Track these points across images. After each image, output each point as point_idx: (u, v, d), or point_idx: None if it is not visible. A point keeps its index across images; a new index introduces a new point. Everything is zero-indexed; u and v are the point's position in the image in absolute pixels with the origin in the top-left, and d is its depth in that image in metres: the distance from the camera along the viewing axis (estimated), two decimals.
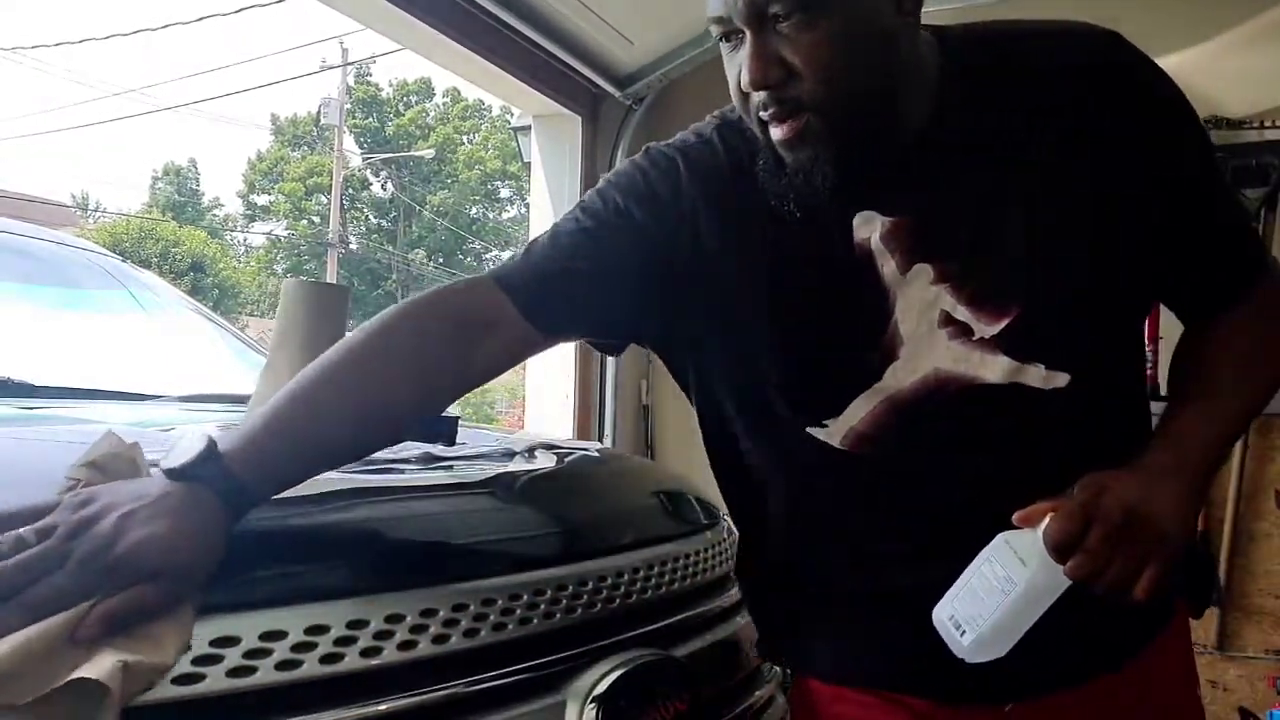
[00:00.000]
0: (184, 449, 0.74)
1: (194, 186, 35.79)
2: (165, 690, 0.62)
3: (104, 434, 0.77)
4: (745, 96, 0.88)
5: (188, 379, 1.58)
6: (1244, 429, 0.96)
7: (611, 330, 1.09)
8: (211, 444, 0.75)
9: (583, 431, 3.25)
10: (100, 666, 0.59)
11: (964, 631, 0.90)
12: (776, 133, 0.87)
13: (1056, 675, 0.98)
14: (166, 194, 34.09)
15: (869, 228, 0.93)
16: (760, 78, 0.84)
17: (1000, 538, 0.88)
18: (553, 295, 0.97)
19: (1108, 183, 0.91)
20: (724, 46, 0.88)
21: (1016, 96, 0.92)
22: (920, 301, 0.92)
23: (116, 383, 1.45)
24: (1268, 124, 3.13)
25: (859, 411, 0.94)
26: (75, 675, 0.58)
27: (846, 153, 0.86)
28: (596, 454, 1.32)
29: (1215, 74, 2.92)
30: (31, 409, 1.22)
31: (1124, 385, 1.00)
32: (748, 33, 0.84)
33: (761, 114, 0.87)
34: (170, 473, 0.73)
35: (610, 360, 3.34)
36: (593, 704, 0.82)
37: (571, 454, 1.21)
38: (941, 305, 0.92)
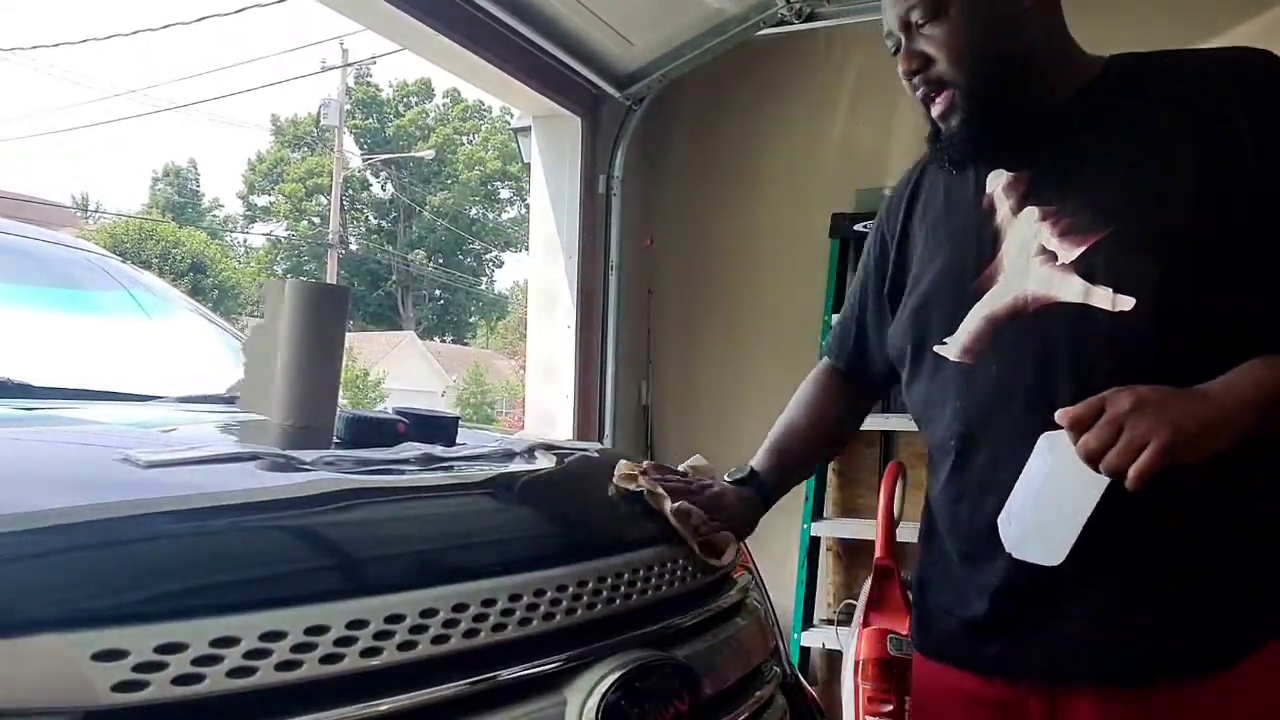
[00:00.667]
0: (739, 470, 1.31)
1: (194, 187, 35.79)
2: (165, 690, 0.62)
3: (695, 456, 1.31)
4: (911, 84, 1.14)
5: (187, 380, 1.58)
6: None
7: (887, 350, 1.31)
8: (752, 469, 1.31)
9: (583, 432, 3.25)
10: (727, 538, 1.14)
11: (1011, 523, 0.99)
12: (934, 108, 1.14)
13: (1173, 659, 1.01)
14: (166, 195, 34.10)
15: (997, 181, 1.15)
16: (908, 67, 1.13)
17: (1043, 436, 0.97)
18: (850, 351, 1.38)
19: (1213, 162, 1.01)
20: (897, 56, 1.15)
21: (1153, 89, 1.08)
22: (1023, 236, 1.10)
23: (116, 383, 1.45)
24: None
25: (968, 328, 1.12)
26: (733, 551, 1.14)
27: (983, 116, 1.11)
28: (596, 454, 1.32)
29: None
30: (31, 409, 1.22)
31: (1205, 333, 1.02)
32: (901, 38, 1.13)
33: (920, 95, 1.14)
34: (735, 481, 1.29)
35: (610, 361, 3.35)
36: (593, 704, 0.81)
37: (571, 454, 1.21)
38: (1040, 239, 1.08)
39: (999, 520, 1.00)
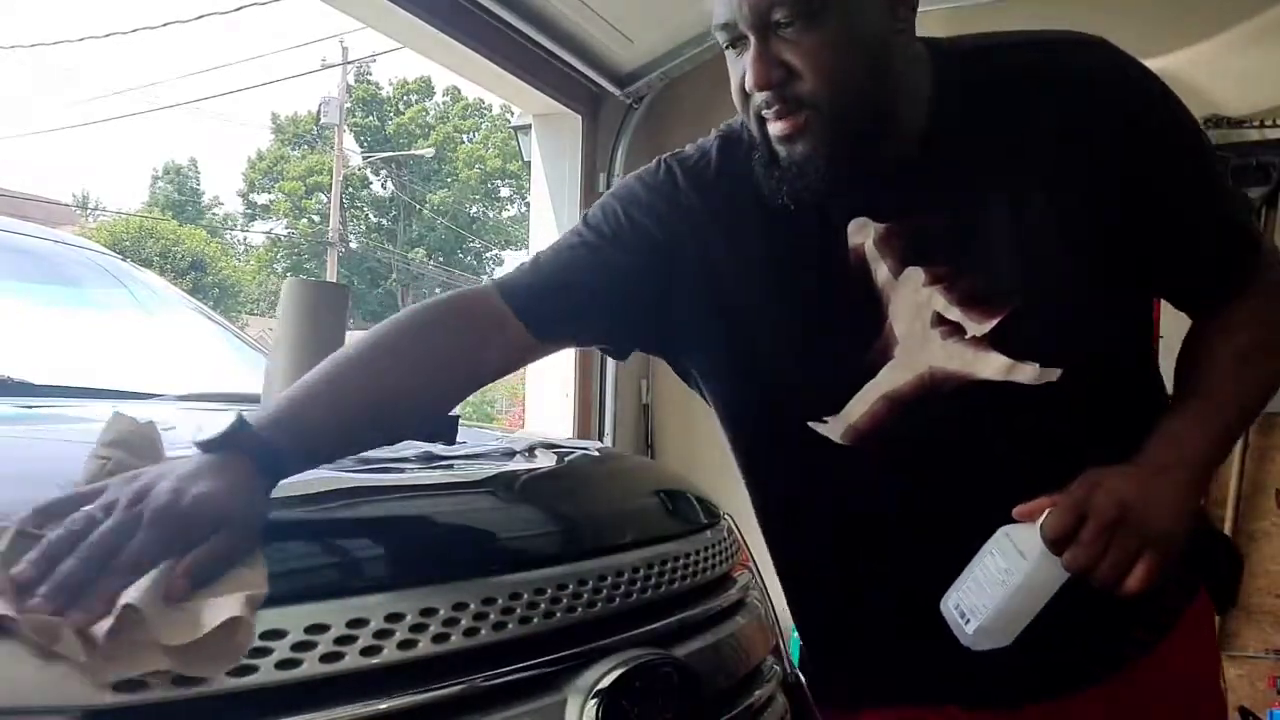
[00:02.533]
0: (213, 427, 0.77)
1: (194, 185, 35.76)
2: (164, 690, 0.62)
3: (114, 415, 0.79)
4: (746, 97, 0.93)
5: (188, 378, 1.58)
6: (1244, 427, 0.97)
7: (610, 338, 1.13)
8: (240, 418, 0.78)
9: (583, 431, 3.25)
10: (235, 603, 0.64)
11: (968, 620, 0.93)
12: (775, 128, 0.92)
13: (1069, 675, 1.00)
14: (166, 193, 34.08)
15: (863, 234, 0.97)
16: (765, 79, 0.89)
17: (1001, 531, 0.91)
18: (551, 307, 1.02)
19: (1097, 184, 0.93)
20: (729, 52, 0.93)
21: (1008, 108, 0.95)
22: (913, 303, 0.96)
23: (116, 382, 1.45)
24: (1268, 123, 3.13)
25: (858, 409, 0.98)
26: (224, 619, 0.63)
27: (840, 149, 0.91)
28: (596, 453, 1.32)
29: (1215, 74, 2.92)
30: (30, 408, 1.21)
31: (1126, 379, 1.01)
32: (752, 38, 0.89)
33: (764, 112, 0.92)
34: (204, 445, 0.76)
35: (610, 360, 3.35)
36: (593, 703, 0.81)
37: (571, 453, 1.21)
38: (934, 306, 0.95)
39: (947, 614, 0.94)
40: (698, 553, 1.09)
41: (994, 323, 0.94)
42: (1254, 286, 0.99)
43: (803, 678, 1.24)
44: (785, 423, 1.02)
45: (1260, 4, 2.73)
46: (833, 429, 0.99)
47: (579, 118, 3.26)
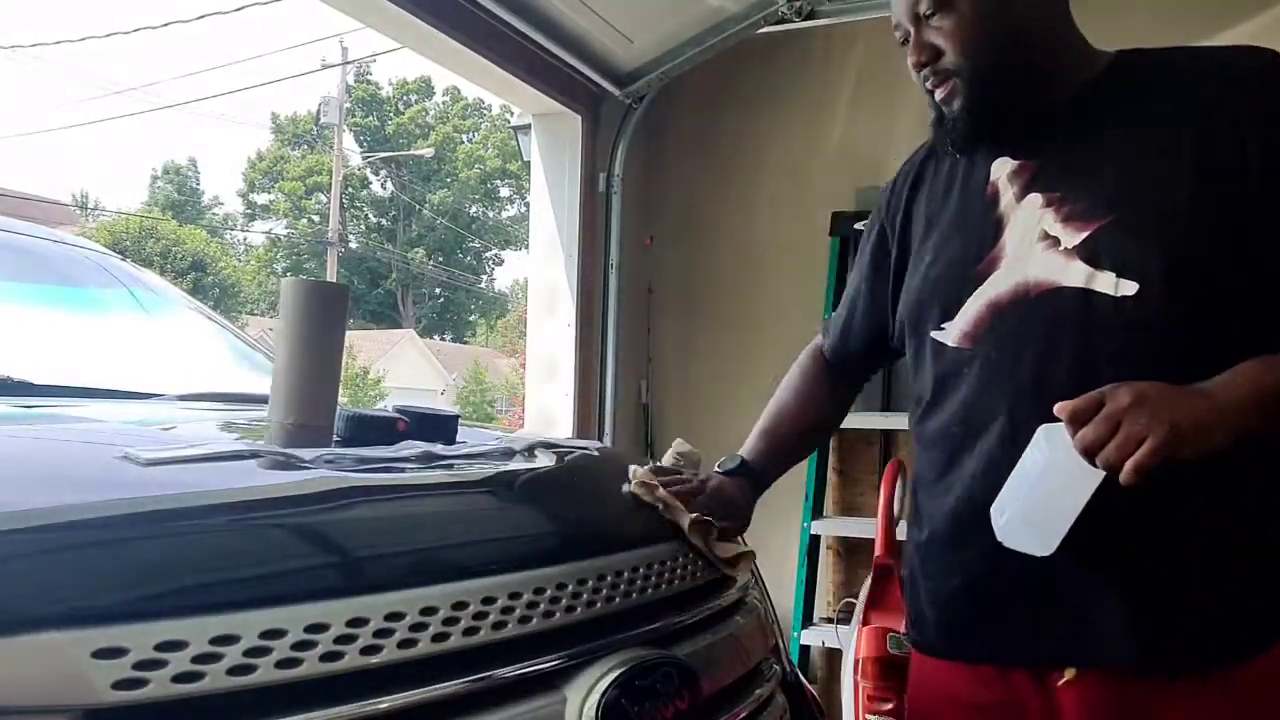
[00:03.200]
0: (730, 460, 1.32)
1: (194, 185, 35.77)
2: (166, 688, 0.62)
3: (677, 441, 1.35)
4: (920, 75, 1.17)
5: (188, 378, 1.58)
6: None
7: (873, 334, 1.35)
8: (741, 457, 1.32)
9: (582, 430, 3.25)
10: (743, 546, 1.16)
11: (1003, 514, 0.99)
12: (937, 94, 1.16)
13: (1167, 652, 1.01)
14: (166, 193, 34.08)
15: (1002, 169, 1.16)
16: (919, 58, 1.15)
17: (1041, 429, 0.97)
18: (835, 333, 1.40)
19: (1226, 151, 1.01)
20: (906, 47, 1.18)
21: (1157, 84, 1.10)
22: (1026, 222, 1.11)
23: (117, 381, 1.45)
24: None
25: (968, 313, 1.13)
26: (743, 549, 1.15)
27: (983, 105, 1.13)
28: (596, 453, 1.32)
29: None
30: (31, 407, 1.22)
31: (1220, 322, 1.02)
32: (911, 29, 1.15)
33: (927, 85, 1.17)
34: (725, 471, 1.30)
35: (610, 359, 3.35)
36: (593, 702, 0.81)
37: (571, 453, 1.21)
38: (1043, 224, 1.09)
39: (992, 509, 1.00)
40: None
41: (1084, 235, 1.05)
42: None
43: (803, 677, 1.25)
44: (920, 336, 1.20)
45: (1260, 4, 2.74)
46: (948, 334, 1.15)
47: (579, 118, 3.26)
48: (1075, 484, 0.93)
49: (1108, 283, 1.02)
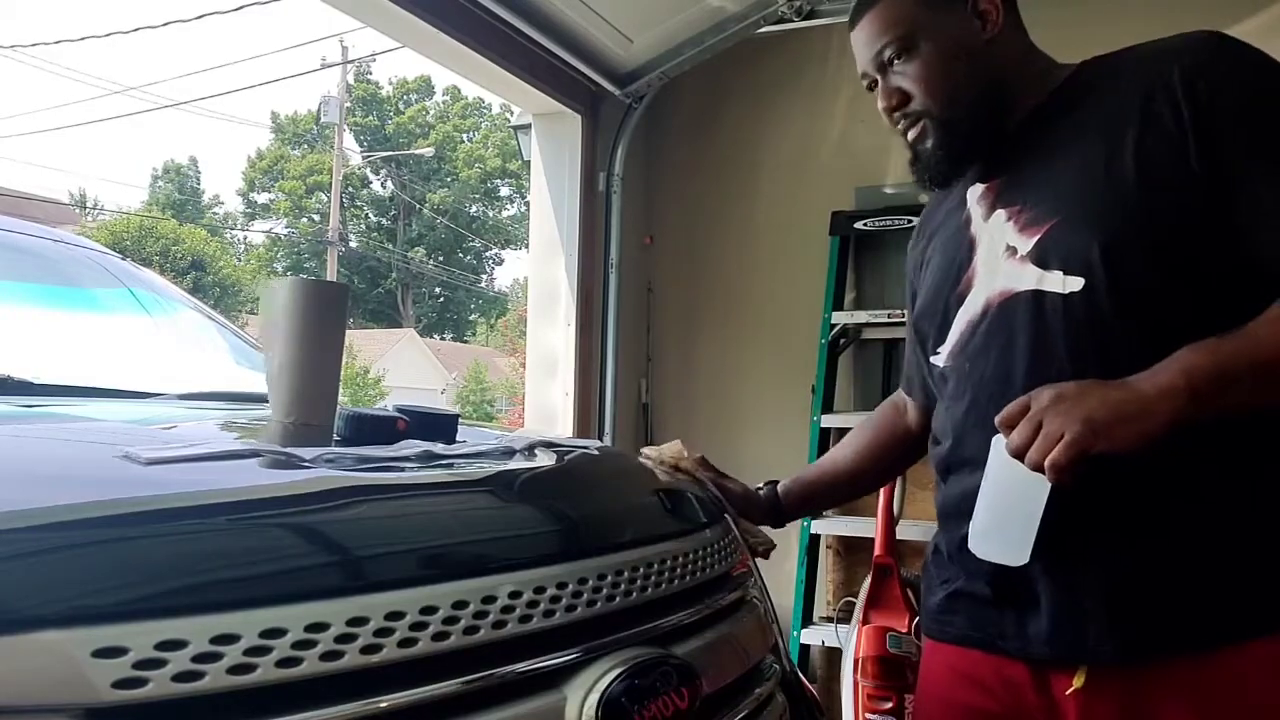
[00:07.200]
0: (768, 481, 1.44)
1: (194, 184, 35.76)
2: (166, 687, 0.62)
3: (674, 441, 1.36)
4: (892, 120, 1.21)
5: (188, 377, 1.58)
6: (1247, 367, 0.95)
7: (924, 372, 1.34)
8: (775, 483, 1.45)
9: (583, 430, 3.25)
10: (768, 536, 1.37)
11: (975, 530, 1.01)
12: (910, 135, 1.20)
13: (1142, 636, 1.02)
14: (167, 192, 34.07)
15: (973, 193, 1.20)
16: (887, 103, 1.20)
17: (994, 440, 1.00)
18: (912, 378, 1.40)
19: (1168, 135, 1.01)
20: (875, 92, 1.22)
21: (1108, 82, 1.11)
22: (992, 238, 1.15)
23: (117, 381, 1.45)
24: None
25: (953, 335, 1.18)
26: (766, 538, 1.33)
27: (954, 142, 1.17)
28: (596, 452, 1.32)
29: None
30: (31, 406, 1.22)
31: (1166, 318, 1.01)
32: (877, 76, 1.20)
33: (899, 127, 1.20)
34: (762, 487, 1.42)
35: (610, 358, 3.35)
36: (593, 701, 0.81)
37: (571, 452, 1.21)
38: (1005, 238, 1.13)
39: (969, 527, 1.02)
40: (698, 552, 1.09)
41: (1035, 239, 1.08)
42: None
43: (802, 676, 1.26)
44: (923, 364, 1.26)
45: (1260, 4, 2.74)
46: (941, 358, 1.20)
47: (579, 117, 3.26)
48: (1030, 491, 0.94)
49: (1056, 281, 1.05)
